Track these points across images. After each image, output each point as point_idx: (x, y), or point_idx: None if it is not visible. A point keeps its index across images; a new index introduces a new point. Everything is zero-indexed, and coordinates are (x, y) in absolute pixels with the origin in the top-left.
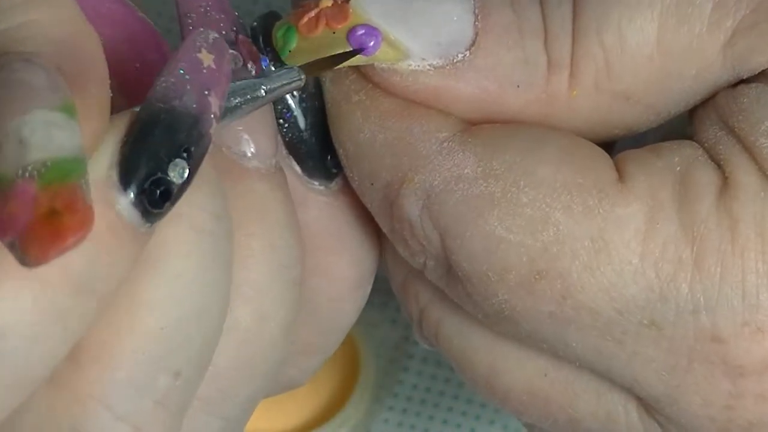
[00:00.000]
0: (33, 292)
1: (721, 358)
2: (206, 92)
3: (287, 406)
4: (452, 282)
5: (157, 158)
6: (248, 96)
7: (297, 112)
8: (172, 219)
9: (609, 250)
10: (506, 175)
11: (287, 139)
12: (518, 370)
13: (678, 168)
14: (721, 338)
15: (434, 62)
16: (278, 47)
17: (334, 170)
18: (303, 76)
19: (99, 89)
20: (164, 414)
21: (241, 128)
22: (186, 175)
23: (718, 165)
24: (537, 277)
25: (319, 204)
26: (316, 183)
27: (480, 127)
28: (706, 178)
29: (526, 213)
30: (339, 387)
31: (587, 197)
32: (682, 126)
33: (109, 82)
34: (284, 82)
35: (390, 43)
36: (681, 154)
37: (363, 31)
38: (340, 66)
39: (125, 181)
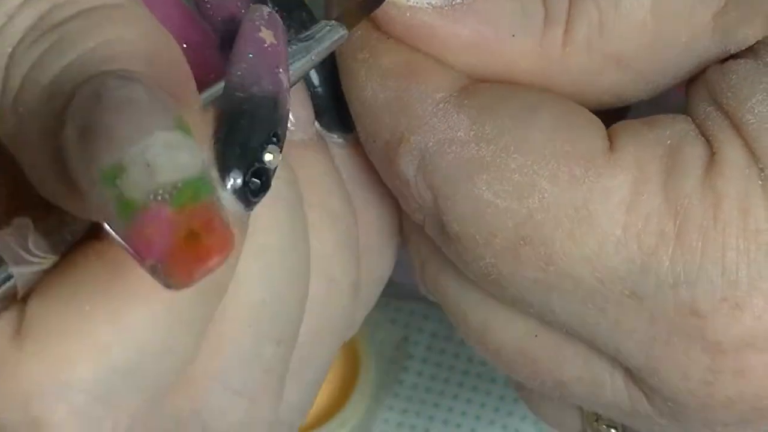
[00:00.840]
0: (165, 303)
1: (700, 332)
2: (276, 70)
3: None
4: (446, 241)
5: (252, 149)
6: (300, 60)
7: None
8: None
9: (592, 220)
10: (497, 139)
11: None
12: (509, 328)
13: (668, 141)
14: (700, 313)
15: (434, 1)
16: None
17: (351, 122)
18: (345, 31)
19: (196, 99)
20: (272, 381)
21: None
22: (279, 158)
23: (707, 140)
24: (522, 242)
25: (340, 156)
26: (335, 136)
27: (476, 87)
28: (694, 153)
29: (514, 179)
30: (339, 387)
31: (574, 166)
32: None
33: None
34: (332, 39)
35: None
36: (673, 128)
37: None
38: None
39: (226, 177)
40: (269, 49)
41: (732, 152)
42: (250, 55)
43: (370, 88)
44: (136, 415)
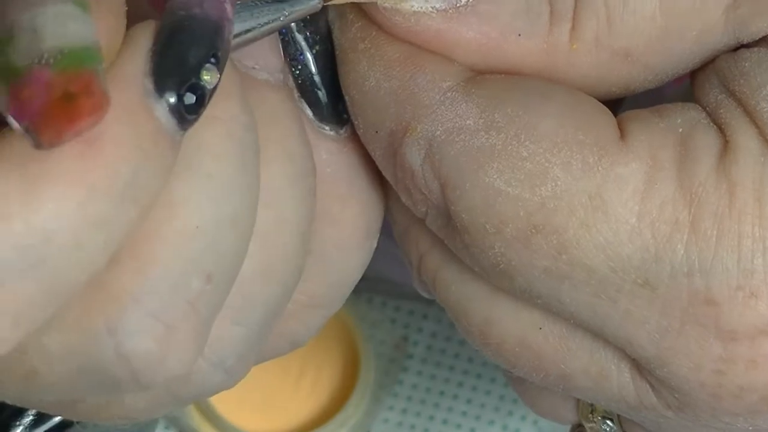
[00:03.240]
0: (78, 198)
1: (714, 321)
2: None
3: (287, 406)
4: (451, 233)
5: (189, 64)
6: (269, 18)
7: (308, 55)
8: (205, 122)
9: (606, 208)
10: (508, 127)
11: (299, 82)
12: (513, 321)
13: (680, 130)
14: (715, 301)
15: (437, 5)
16: None
17: (345, 116)
18: (320, 2)
19: None
20: (195, 316)
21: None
22: (216, 81)
23: (720, 128)
24: (533, 231)
25: (329, 149)
26: (327, 128)
27: (484, 77)
28: (707, 140)
29: (526, 167)
30: (339, 387)
31: (587, 154)
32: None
33: None
34: (304, 4)
35: None
36: (684, 116)
37: None
38: (348, 1)
39: (161, 89)
40: None
41: (746, 140)
42: None
43: (372, 78)
44: (31, 304)
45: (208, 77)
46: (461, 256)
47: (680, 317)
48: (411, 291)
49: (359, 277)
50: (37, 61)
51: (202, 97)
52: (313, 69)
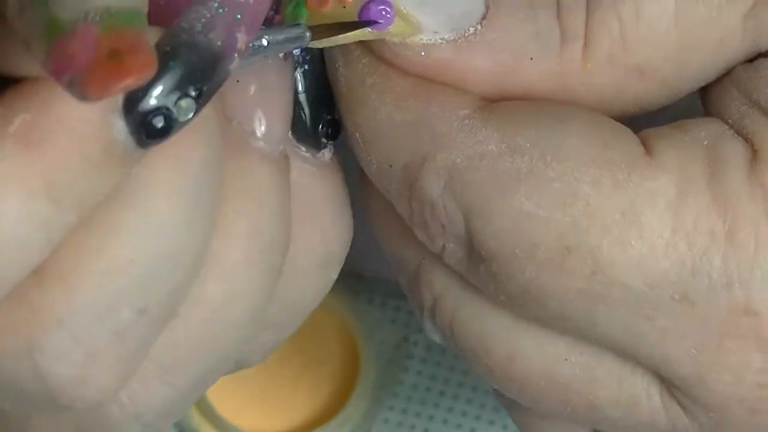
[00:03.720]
0: (20, 197)
1: (754, 332)
2: (237, 27)
3: (287, 406)
4: (473, 264)
5: (167, 94)
6: (251, 44)
7: (297, 73)
8: (163, 155)
9: (640, 223)
10: (532, 150)
11: None
12: (538, 354)
13: (705, 142)
14: (755, 311)
15: (446, 36)
16: (287, 21)
17: (324, 140)
18: (308, 34)
19: None
20: (121, 348)
21: (256, 105)
22: (190, 115)
23: (746, 139)
24: (566, 252)
25: (299, 170)
26: (303, 148)
27: (500, 103)
28: (734, 150)
29: (555, 187)
30: (339, 387)
31: (616, 171)
32: (693, 110)
33: None
34: (289, 35)
35: (402, 17)
36: (707, 129)
37: (375, 4)
38: (348, 38)
39: (128, 108)
40: (242, 2)
41: None
42: (216, 4)
43: (384, 112)
44: None
45: (179, 110)
46: (484, 288)
47: (719, 331)
48: None
49: (313, 306)
50: (83, 17)
51: (169, 128)
52: (300, 87)
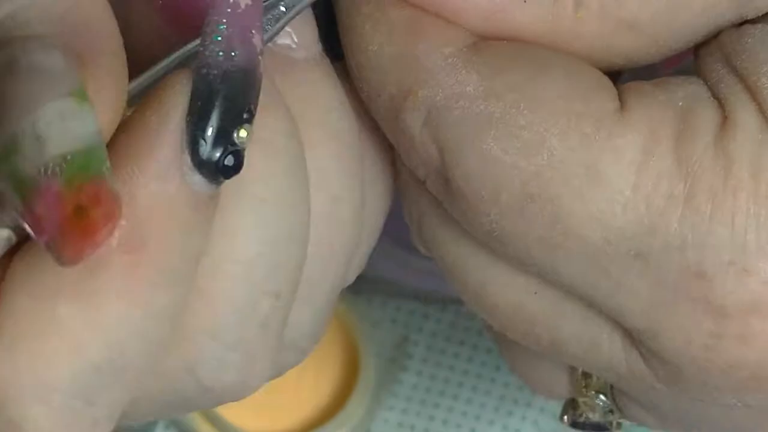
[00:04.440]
0: (141, 303)
1: (704, 296)
2: (250, 34)
3: (287, 406)
4: (450, 197)
5: (226, 132)
6: (269, 16)
7: None
8: (249, 146)
9: (602, 179)
10: (507, 96)
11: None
12: (508, 285)
13: (680, 103)
14: (706, 276)
15: None
16: None
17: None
18: None
19: (112, 58)
20: (269, 336)
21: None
22: (251, 131)
23: (720, 103)
24: (529, 200)
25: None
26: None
27: (486, 43)
28: (706, 115)
29: (523, 135)
30: (339, 387)
31: (585, 125)
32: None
33: (122, 42)
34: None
35: None
36: (685, 90)
37: None
38: None
39: (198, 162)
40: (242, 12)
41: (745, 116)
42: (222, 27)
43: (376, 42)
44: (119, 403)
45: (244, 135)
46: (459, 221)
47: (672, 290)
48: (411, 291)
49: (389, 205)
50: (43, 171)
51: (241, 159)
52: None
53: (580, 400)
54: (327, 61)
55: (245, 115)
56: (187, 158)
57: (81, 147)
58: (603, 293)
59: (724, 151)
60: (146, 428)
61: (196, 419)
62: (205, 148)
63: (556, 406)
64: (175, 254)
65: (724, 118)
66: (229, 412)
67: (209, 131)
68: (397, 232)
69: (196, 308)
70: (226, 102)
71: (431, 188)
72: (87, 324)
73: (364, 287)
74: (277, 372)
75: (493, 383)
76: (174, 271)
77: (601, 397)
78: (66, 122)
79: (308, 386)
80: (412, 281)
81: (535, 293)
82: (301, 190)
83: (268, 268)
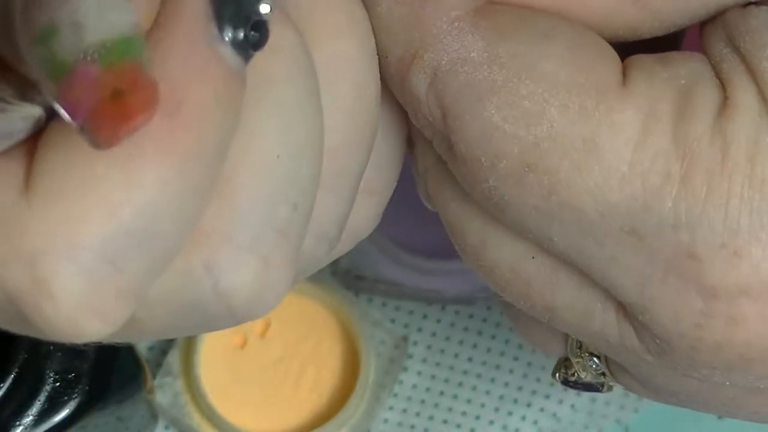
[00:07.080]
0: (177, 169)
1: (696, 276)
2: None
3: (287, 406)
4: (452, 159)
5: (249, 3)
6: None
7: None
8: (267, 51)
9: (599, 153)
10: (510, 64)
11: None
12: (508, 247)
13: (682, 81)
14: (698, 256)
15: None
16: None
17: None
18: None
19: None
20: (286, 244)
21: None
22: (270, 7)
23: (721, 83)
24: (526, 169)
25: None
26: None
27: (493, 8)
28: (707, 95)
29: (524, 105)
30: (339, 387)
31: (585, 98)
32: None
33: None
34: None
35: None
36: (688, 67)
37: None
38: None
39: (227, 31)
40: None
41: (745, 98)
42: None
43: (384, 4)
44: (145, 277)
45: (266, 9)
46: (461, 183)
47: (664, 268)
48: (411, 291)
49: (402, 156)
50: (82, 57)
51: (266, 30)
52: None
53: (574, 360)
54: None
55: None
56: (214, 28)
57: (119, 36)
58: (597, 265)
59: (722, 133)
60: (146, 428)
61: (196, 419)
62: (230, 20)
63: (556, 406)
64: (209, 122)
65: (725, 99)
66: (229, 412)
67: (232, 4)
68: (396, 232)
69: (215, 208)
70: None
71: (437, 148)
72: (123, 185)
73: (364, 287)
74: (311, 269)
75: (493, 383)
76: (208, 141)
77: (595, 359)
78: (104, 11)
79: (308, 386)
80: (412, 281)
81: (534, 258)
82: (317, 102)
83: (286, 174)
